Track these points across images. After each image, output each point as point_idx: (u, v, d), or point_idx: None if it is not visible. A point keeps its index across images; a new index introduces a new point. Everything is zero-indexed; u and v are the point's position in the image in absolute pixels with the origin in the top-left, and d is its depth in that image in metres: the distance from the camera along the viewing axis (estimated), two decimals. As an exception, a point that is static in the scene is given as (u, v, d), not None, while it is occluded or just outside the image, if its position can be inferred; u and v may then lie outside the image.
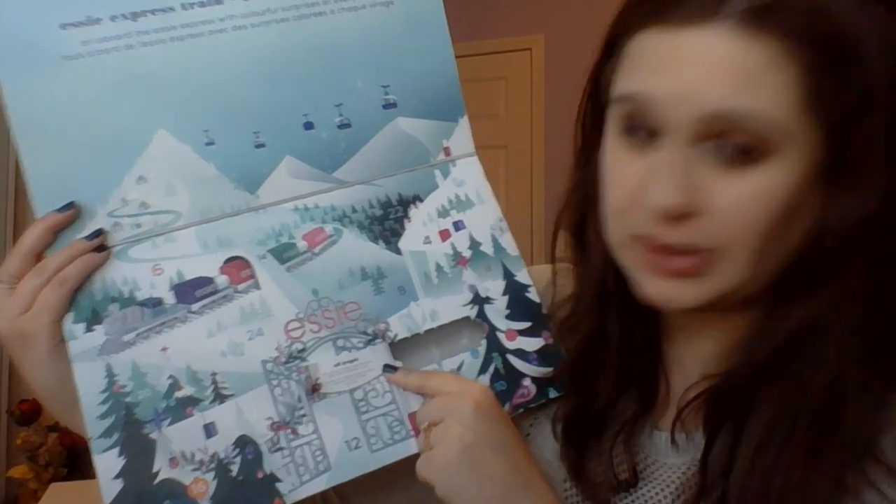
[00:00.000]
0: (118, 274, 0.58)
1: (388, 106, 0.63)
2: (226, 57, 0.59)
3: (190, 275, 0.59)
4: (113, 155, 0.58)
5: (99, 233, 0.58)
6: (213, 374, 0.57)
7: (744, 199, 0.47)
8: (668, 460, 0.57)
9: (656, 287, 0.51)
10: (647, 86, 0.49)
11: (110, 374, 0.56)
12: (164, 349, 0.57)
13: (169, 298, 0.59)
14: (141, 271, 0.59)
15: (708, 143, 0.47)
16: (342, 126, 0.63)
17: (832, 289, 0.49)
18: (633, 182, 0.50)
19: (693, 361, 0.58)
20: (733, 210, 0.47)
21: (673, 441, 0.55)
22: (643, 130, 0.50)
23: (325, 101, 0.62)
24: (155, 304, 0.58)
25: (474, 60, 3.11)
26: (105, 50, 0.58)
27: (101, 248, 0.58)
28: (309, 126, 0.62)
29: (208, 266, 0.60)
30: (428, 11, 0.63)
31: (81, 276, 0.57)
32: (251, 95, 0.60)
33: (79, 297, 0.57)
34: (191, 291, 0.59)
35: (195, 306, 0.59)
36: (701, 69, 0.46)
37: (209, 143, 0.60)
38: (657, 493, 0.56)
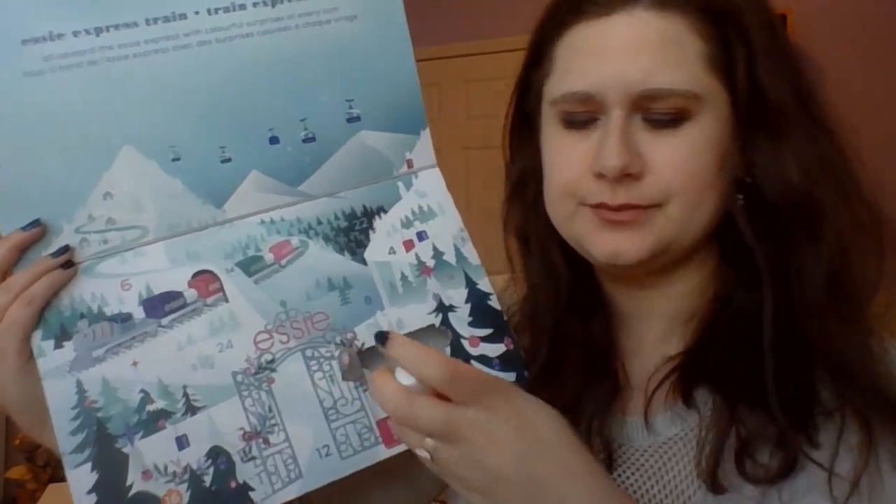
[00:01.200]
0: (86, 290, 0.59)
1: (352, 119, 0.65)
2: (191, 72, 0.60)
3: (159, 289, 0.60)
4: (78, 171, 0.59)
5: (66, 249, 0.58)
6: (185, 386, 0.58)
7: (674, 156, 0.55)
8: (637, 444, 0.60)
9: (604, 243, 0.57)
10: (584, 82, 0.56)
11: (81, 390, 0.57)
12: (135, 363, 0.58)
13: (138, 313, 0.59)
14: (109, 287, 0.60)
15: (639, 114, 0.55)
16: (307, 140, 0.64)
17: (770, 245, 0.56)
18: (580, 160, 0.58)
19: (647, 347, 0.63)
20: (667, 166, 0.55)
21: (647, 423, 0.59)
22: (580, 120, 0.58)
23: (290, 115, 0.63)
24: (124, 319, 0.59)
25: (476, 60, 3.15)
26: (68, 66, 0.58)
27: (69, 264, 0.58)
28: (274, 140, 0.63)
29: (177, 280, 0.61)
30: (391, 25, 0.65)
31: (49, 294, 0.57)
32: (217, 111, 0.61)
33: (47, 314, 0.57)
34: (160, 306, 0.60)
35: (165, 320, 0.60)
36: (624, 54, 0.54)
37: (175, 159, 0.61)
38: (630, 476, 0.59)
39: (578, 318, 0.65)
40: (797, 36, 2.95)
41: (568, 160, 0.59)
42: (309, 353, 0.61)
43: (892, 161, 2.87)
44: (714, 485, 0.53)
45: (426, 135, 0.68)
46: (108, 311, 0.59)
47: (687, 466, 0.56)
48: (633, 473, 0.59)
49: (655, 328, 0.64)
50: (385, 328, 0.63)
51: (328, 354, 0.61)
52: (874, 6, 2.95)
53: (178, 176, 0.61)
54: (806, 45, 3.02)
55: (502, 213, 0.70)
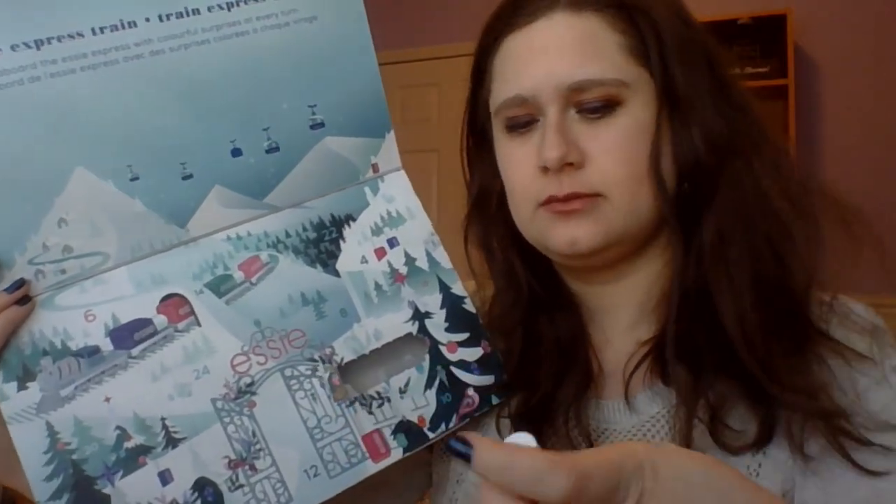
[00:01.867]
0: (47, 324, 0.55)
1: (316, 126, 0.62)
2: (145, 85, 0.56)
3: (126, 318, 0.57)
4: (28, 198, 0.55)
5: (20, 283, 0.54)
6: (163, 418, 0.56)
7: (611, 143, 0.58)
8: (619, 425, 0.62)
9: (560, 234, 0.60)
10: (518, 86, 0.60)
11: (52, 433, 0.54)
12: (108, 399, 0.56)
13: (106, 345, 0.56)
14: (72, 319, 0.56)
15: (572, 109, 0.59)
16: (270, 150, 0.61)
17: (711, 217, 0.60)
18: (527, 161, 0.61)
19: (618, 337, 0.65)
20: (605, 152, 0.58)
21: (627, 403, 0.61)
22: (521, 123, 0.61)
23: (251, 125, 0.60)
24: (91, 352, 0.56)
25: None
26: (7, 84, 0.53)
27: (25, 299, 0.55)
28: (237, 153, 0.60)
29: (144, 306, 0.58)
30: (352, 25, 0.62)
31: (6, 333, 0.54)
32: (175, 124, 0.58)
33: (6, 355, 0.54)
34: (129, 335, 0.57)
35: (135, 350, 0.57)
36: (549, 55, 0.58)
37: (133, 178, 0.57)
38: None
39: (546, 317, 0.67)
40: (796, 35, 2.98)
41: (517, 164, 0.62)
42: (288, 372, 0.60)
43: (892, 160, 2.96)
44: None
45: (391, 137, 0.66)
46: (74, 346, 0.56)
47: (671, 443, 0.59)
48: None
49: (624, 319, 0.65)
50: (363, 340, 0.62)
51: (308, 372, 0.60)
52: (874, 6, 2.96)
53: (138, 196, 0.57)
54: (805, 45, 3.05)
55: (462, 227, 0.72)
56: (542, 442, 0.61)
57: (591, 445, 0.61)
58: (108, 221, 0.57)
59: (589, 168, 0.58)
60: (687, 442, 0.56)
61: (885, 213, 2.79)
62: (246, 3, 0.58)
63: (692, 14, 0.62)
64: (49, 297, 0.56)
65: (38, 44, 0.53)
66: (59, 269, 0.56)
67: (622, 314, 0.65)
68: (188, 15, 0.56)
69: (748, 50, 3.09)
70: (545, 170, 0.58)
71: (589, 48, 0.58)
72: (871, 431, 0.52)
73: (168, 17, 0.56)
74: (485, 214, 0.70)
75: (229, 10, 0.57)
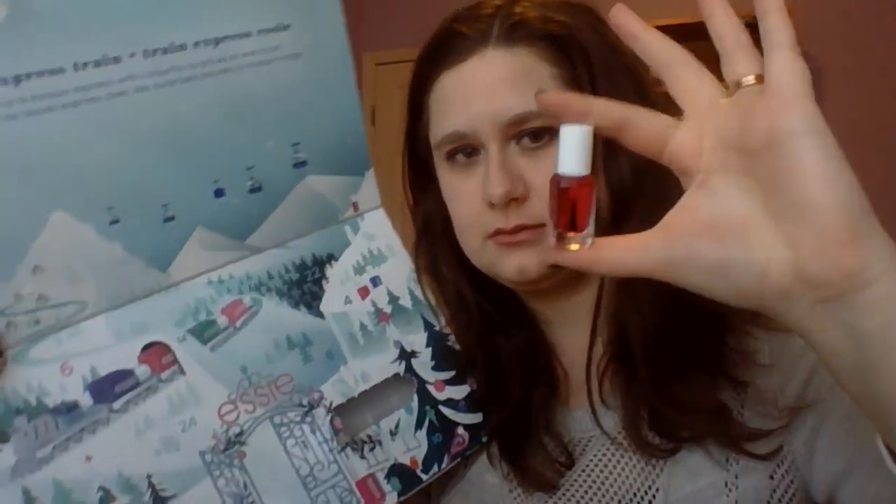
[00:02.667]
0: (20, 380, 0.51)
1: (299, 165, 0.61)
2: (128, 123, 0.53)
3: (105, 369, 0.54)
4: (0, 245, 0.50)
5: None
6: (149, 476, 0.53)
7: (547, 176, 0.57)
8: (588, 434, 0.63)
9: (509, 263, 0.61)
10: (456, 122, 0.61)
11: (29, 499, 0.50)
12: (89, 458, 0.52)
13: (85, 400, 0.53)
14: (47, 373, 0.52)
15: (513, 142, 0.60)
16: (253, 190, 0.59)
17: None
18: (472, 195, 0.62)
19: (576, 345, 0.66)
20: (544, 187, 0.58)
21: (594, 412, 0.62)
22: (462, 154, 0.62)
23: (235, 164, 0.58)
24: (69, 408, 0.52)
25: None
26: (-23, 123, 0.49)
27: None
28: (220, 193, 0.58)
29: (125, 357, 0.55)
30: (336, 63, 0.61)
31: (-25, 391, 0.49)
32: (157, 164, 0.55)
33: (-24, 416, 0.49)
34: (109, 388, 0.54)
35: (117, 404, 0.54)
36: (485, 93, 0.59)
37: (114, 222, 0.54)
38: (588, 463, 0.62)
39: (501, 335, 0.68)
40: (798, 33, 3.07)
41: (462, 198, 0.63)
42: (277, 419, 0.58)
43: (890, 157, 3.03)
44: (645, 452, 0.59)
45: (370, 175, 0.66)
46: (50, 402, 0.52)
47: None
48: (590, 462, 0.62)
49: (581, 331, 0.66)
50: (351, 383, 0.61)
51: (297, 418, 0.59)
52: (875, 6, 2.94)
53: (118, 240, 0.54)
54: (806, 43, 3.13)
55: (412, 255, 0.71)
56: (520, 454, 0.63)
57: (568, 455, 0.63)
58: (87, 268, 0.53)
59: (533, 199, 0.59)
60: (637, 441, 0.59)
61: (886, 213, 2.95)
62: (233, 39, 0.56)
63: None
64: (21, 351, 0.52)
65: (17, 80, 0.49)
66: (34, 320, 0.52)
67: (580, 327, 0.66)
68: (174, 50, 0.54)
69: None
70: (491, 205, 0.60)
71: (523, 82, 0.59)
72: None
73: (154, 52, 0.53)
74: (432, 241, 0.70)
75: (216, 45, 0.55)
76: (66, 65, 0.50)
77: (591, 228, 0.39)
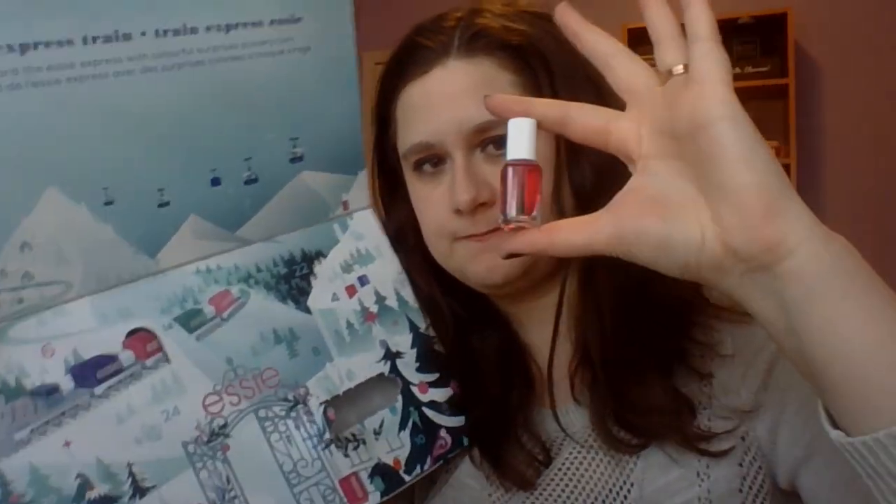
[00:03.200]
0: None
1: (296, 160, 0.61)
2: (133, 104, 0.52)
3: (88, 353, 0.52)
4: (-11, 218, 0.48)
5: None
6: (129, 464, 0.52)
7: None
8: (569, 429, 0.64)
9: (480, 266, 0.62)
10: (422, 132, 0.62)
11: (3, 482, 0.48)
12: (68, 444, 0.50)
13: (66, 383, 0.51)
14: (28, 354, 0.50)
15: (477, 150, 0.61)
16: (249, 182, 0.59)
17: None
18: (441, 202, 0.63)
19: (548, 345, 0.66)
20: None
21: (555, 414, 0.64)
22: (429, 164, 0.63)
23: (234, 154, 0.58)
24: (50, 391, 0.50)
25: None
26: (-22, 88, 0.47)
27: None
28: (216, 182, 0.57)
29: (109, 341, 0.53)
30: (343, 59, 0.62)
31: (-47, 369, 0.47)
32: (158, 149, 0.54)
33: (-48, 394, 0.47)
34: (91, 373, 0.52)
35: (98, 389, 0.52)
36: (448, 103, 0.61)
37: (108, 203, 0.52)
38: (565, 462, 0.63)
39: (476, 336, 0.69)
40: (797, 33, 2.93)
41: (430, 205, 0.64)
42: (262, 413, 0.57)
43: (892, 158, 3.05)
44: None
45: (363, 175, 0.66)
46: (29, 384, 0.50)
47: None
48: (566, 459, 0.64)
49: (548, 331, 0.67)
50: (336, 380, 0.61)
51: (282, 413, 0.58)
52: (873, 5, 2.98)
53: (110, 222, 0.53)
54: (806, 43, 3.02)
55: None
56: (499, 452, 0.63)
57: (545, 453, 0.63)
58: (76, 248, 0.52)
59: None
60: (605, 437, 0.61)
61: (885, 209, 2.98)
62: (245, 26, 0.55)
63: None
64: (2, 329, 0.50)
65: (24, 48, 0.47)
66: (16, 298, 0.50)
67: (550, 328, 0.66)
68: (185, 33, 0.53)
69: (748, 49, 3.07)
70: (459, 212, 0.61)
71: (485, 91, 0.57)
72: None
73: (165, 32, 0.52)
74: (404, 250, 0.70)
75: (227, 31, 0.55)
76: (75, 37, 0.49)
77: (538, 212, 0.43)
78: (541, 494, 0.63)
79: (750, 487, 0.59)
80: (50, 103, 0.49)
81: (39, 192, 0.50)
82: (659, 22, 0.41)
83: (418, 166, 0.64)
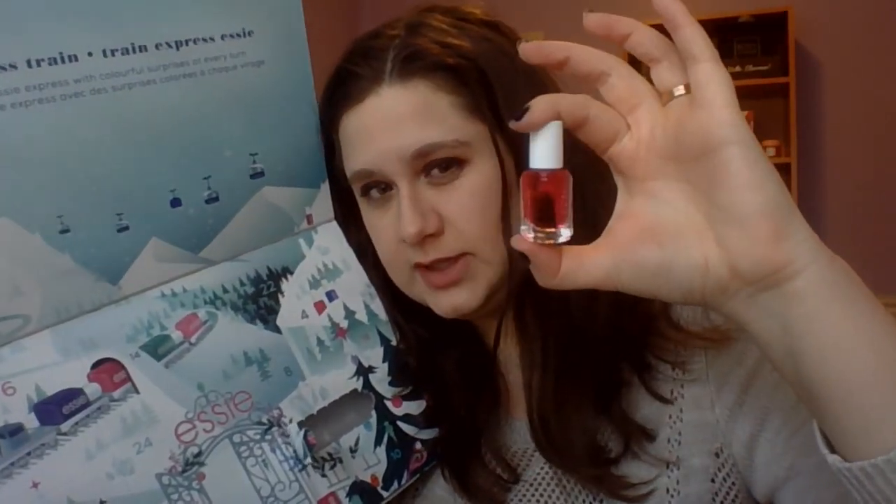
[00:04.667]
0: None
1: (256, 175, 0.60)
2: (82, 127, 0.50)
3: (52, 388, 0.50)
4: (-63, 254, 0.46)
5: None
6: (102, 502, 0.50)
7: (462, 205, 0.58)
8: (532, 445, 0.63)
9: (442, 301, 0.60)
10: (362, 161, 0.59)
11: (-30, 531, 0.45)
12: (35, 485, 0.48)
13: (30, 422, 0.49)
14: None
15: (421, 177, 0.59)
16: (210, 200, 0.57)
17: None
18: (389, 231, 0.61)
19: (513, 357, 0.66)
20: (460, 214, 0.58)
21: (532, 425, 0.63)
22: (376, 190, 0.61)
23: (193, 173, 0.56)
24: (13, 431, 0.48)
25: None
26: (-85, 119, 0.45)
27: None
28: (176, 203, 0.56)
29: (73, 375, 0.51)
30: (297, 72, 0.61)
31: None
32: (113, 171, 0.52)
33: None
34: (56, 409, 0.50)
35: (65, 426, 0.50)
36: (385, 131, 0.58)
37: (64, 231, 0.51)
38: (536, 476, 0.63)
39: (441, 355, 0.67)
40: (797, 32, 2.94)
41: (380, 233, 0.62)
42: (237, 438, 0.56)
43: (893, 156, 3.06)
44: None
45: (325, 188, 0.65)
46: (-9, 426, 0.48)
47: None
48: (539, 470, 0.63)
49: (515, 344, 0.66)
50: (310, 399, 0.60)
51: (257, 437, 0.56)
52: (873, 3, 3.00)
53: (68, 250, 0.51)
54: (806, 42, 3.03)
55: None
56: (465, 472, 0.63)
57: (511, 470, 0.63)
58: (32, 279, 0.50)
59: (448, 233, 0.58)
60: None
61: (885, 209, 3.01)
62: (195, 42, 0.54)
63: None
64: (-42, 369, 0.47)
65: (-40, 78, 0.45)
66: (-29, 336, 0.48)
67: (514, 339, 0.66)
68: (135, 52, 0.51)
69: (749, 48, 3.08)
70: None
71: (423, 116, 0.58)
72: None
73: (113, 52, 0.50)
74: (366, 269, 0.68)
75: (178, 48, 0.53)
76: (19, 60, 0.47)
77: (568, 223, 0.39)
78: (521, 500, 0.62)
79: (722, 502, 0.59)
80: (-4, 130, 0.47)
81: (-10, 223, 0.48)
82: (651, 44, 0.39)
83: (365, 192, 0.62)
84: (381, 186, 0.61)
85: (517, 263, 0.58)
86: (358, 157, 0.60)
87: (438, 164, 0.58)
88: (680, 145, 0.38)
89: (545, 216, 0.38)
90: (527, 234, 0.39)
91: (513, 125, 0.38)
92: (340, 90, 0.61)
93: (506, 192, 0.59)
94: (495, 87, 0.58)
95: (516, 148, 0.59)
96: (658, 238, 0.39)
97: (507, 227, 0.59)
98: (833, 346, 0.36)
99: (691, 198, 0.38)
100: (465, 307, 0.60)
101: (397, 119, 0.58)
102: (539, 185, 0.38)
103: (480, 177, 0.58)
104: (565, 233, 0.39)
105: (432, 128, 0.57)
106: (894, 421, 0.35)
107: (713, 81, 0.36)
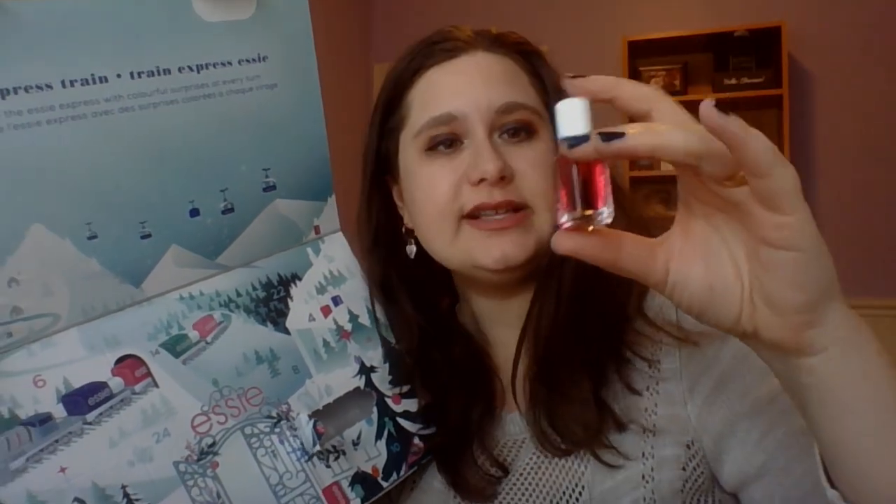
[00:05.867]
0: None
1: (268, 189, 0.64)
2: (111, 142, 0.55)
3: (79, 382, 0.54)
4: (-22, 257, 0.51)
5: None
6: (124, 486, 0.54)
7: (531, 162, 0.64)
8: (521, 437, 0.68)
9: (493, 249, 0.63)
10: (448, 106, 0.64)
11: (3, 510, 0.50)
12: (63, 470, 0.52)
13: (59, 412, 0.53)
14: (19, 385, 0.52)
15: (497, 133, 0.65)
16: (226, 211, 0.62)
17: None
18: (453, 177, 0.64)
19: (508, 348, 0.69)
20: (527, 171, 0.64)
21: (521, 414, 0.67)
22: (443, 144, 0.65)
23: (211, 186, 0.61)
24: (43, 420, 0.52)
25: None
26: (-38, 134, 0.50)
27: None
28: (195, 213, 0.60)
29: (98, 369, 0.55)
30: (308, 94, 0.65)
31: (-51, 403, 0.49)
32: (138, 183, 0.57)
33: (-50, 428, 0.49)
34: (83, 400, 0.54)
35: (90, 416, 0.54)
36: (476, 83, 0.65)
37: (91, 237, 0.55)
38: (524, 467, 0.66)
39: (438, 351, 0.71)
40: (790, 46, 3.02)
41: (440, 180, 0.65)
42: (248, 430, 0.60)
43: (882, 166, 3.08)
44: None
45: (332, 201, 0.69)
46: (23, 414, 0.52)
47: None
48: (528, 460, 0.67)
49: (512, 335, 0.70)
50: (316, 396, 0.64)
51: (267, 429, 0.61)
52: (864, 18, 3.08)
53: (95, 255, 0.55)
54: (799, 56, 3.11)
55: (366, 268, 0.73)
56: (456, 469, 0.66)
57: (500, 466, 0.66)
58: (62, 281, 0.54)
59: (518, 182, 0.63)
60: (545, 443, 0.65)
61: (876, 218, 3.06)
62: (214, 66, 0.59)
63: None
64: (-5, 362, 0.52)
65: (4, 93, 0.50)
66: (6, 332, 0.52)
67: (511, 329, 0.69)
68: (159, 74, 0.56)
69: (744, 61, 3.17)
70: (478, 183, 0.62)
71: (511, 79, 0.66)
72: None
73: (140, 74, 0.55)
74: (381, 253, 0.72)
75: (198, 72, 0.58)
76: (54, 81, 0.52)
77: (609, 205, 0.36)
78: (500, 501, 0.66)
79: (691, 488, 0.63)
80: (32, 145, 0.52)
81: (24, 229, 0.52)
82: (635, 101, 0.39)
83: (432, 147, 0.65)
84: (448, 141, 0.65)
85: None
86: (442, 103, 0.65)
87: (510, 129, 0.64)
88: (743, 231, 0.37)
89: (584, 198, 0.36)
90: (566, 224, 0.37)
91: (605, 147, 0.35)
92: (434, 47, 0.68)
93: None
94: (549, 83, 0.67)
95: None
96: (706, 263, 0.39)
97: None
98: (840, 419, 0.40)
99: (745, 250, 0.38)
100: (513, 258, 0.62)
101: (490, 74, 0.65)
102: (575, 165, 0.36)
103: (545, 147, 0.65)
104: (606, 212, 0.36)
105: (519, 91, 0.65)
106: (891, 477, 0.39)
107: (791, 191, 0.34)
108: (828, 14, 3.17)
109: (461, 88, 0.65)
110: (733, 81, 3.13)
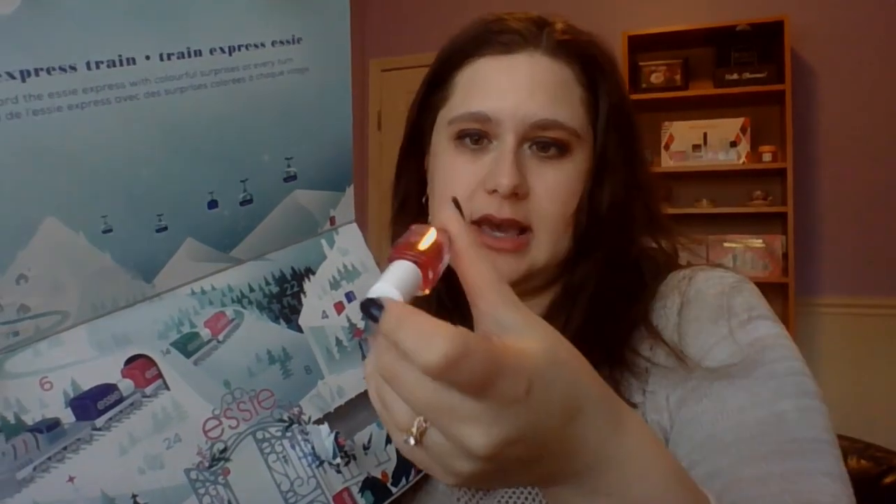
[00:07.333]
0: None
1: (289, 178, 0.60)
2: (134, 129, 0.50)
3: (87, 383, 0.51)
4: (-13, 251, 0.46)
5: None
6: (134, 496, 0.51)
7: (553, 184, 0.63)
8: None
9: None
10: (484, 105, 0.63)
11: (9, 523, 0.47)
12: (71, 479, 0.49)
13: (66, 417, 0.50)
14: (25, 388, 0.49)
15: (527, 144, 0.63)
16: (244, 202, 0.58)
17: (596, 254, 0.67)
18: (470, 178, 0.64)
19: None
20: (547, 191, 0.63)
21: None
22: (470, 138, 0.64)
23: (231, 176, 0.57)
24: (50, 426, 0.49)
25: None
26: (-28, 117, 0.44)
27: None
28: (213, 205, 0.56)
29: (108, 370, 0.52)
30: (338, 78, 0.61)
31: (-48, 409, 0.45)
32: (158, 174, 0.52)
33: (-47, 436, 0.45)
34: (91, 404, 0.51)
35: (100, 421, 0.51)
36: (523, 89, 0.62)
37: (106, 231, 0.51)
38: None
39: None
40: (793, 40, 2.97)
41: (458, 177, 0.65)
42: (260, 435, 0.58)
43: (886, 162, 3.09)
44: None
45: (350, 191, 0.66)
46: (29, 420, 0.49)
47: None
48: None
49: None
50: (327, 398, 0.62)
51: (278, 434, 0.59)
52: (868, 12, 3.05)
53: (108, 250, 0.51)
54: (802, 50, 3.07)
55: (390, 232, 0.73)
56: None
57: None
58: (72, 277, 0.50)
59: (531, 201, 0.63)
60: None
61: (879, 214, 3.10)
62: (247, 48, 0.54)
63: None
64: (-1, 363, 0.48)
65: (24, 74, 0.45)
66: (12, 331, 0.48)
67: None
68: (190, 56, 0.51)
69: (746, 56, 3.11)
70: (492, 192, 0.62)
71: (560, 93, 0.63)
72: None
73: (170, 56, 0.50)
74: (407, 220, 0.71)
75: (230, 53, 0.53)
76: (78, 62, 0.47)
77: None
78: (504, 492, 0.66)
79: None
80: (49, 132, 0.47)
81: (37, 222, 0.48)
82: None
83: (460, 137, 0.65)
84: (476, 137, 0.64)
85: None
86: (482, 100, 0.63)
87: (541, 143, 0.63)
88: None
89: None
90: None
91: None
92: (492, 35, 0.65)
93: (584, 191, 0.64)
94: (613, 100, 0.65)
95: (602, 161, 0.65)
96: None
97: (574, 220, 0.64)
98: None
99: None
100: (503, 277, 0.61)
101: (539, 83, 0.62)
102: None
103: (575, 169, 0.64)
104: None
105: (563, 108, 0.63)
106: None
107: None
108: (831, 8, 3.16)
109: (504, 91, 0.63)
110: (735, 76, 3.10)
